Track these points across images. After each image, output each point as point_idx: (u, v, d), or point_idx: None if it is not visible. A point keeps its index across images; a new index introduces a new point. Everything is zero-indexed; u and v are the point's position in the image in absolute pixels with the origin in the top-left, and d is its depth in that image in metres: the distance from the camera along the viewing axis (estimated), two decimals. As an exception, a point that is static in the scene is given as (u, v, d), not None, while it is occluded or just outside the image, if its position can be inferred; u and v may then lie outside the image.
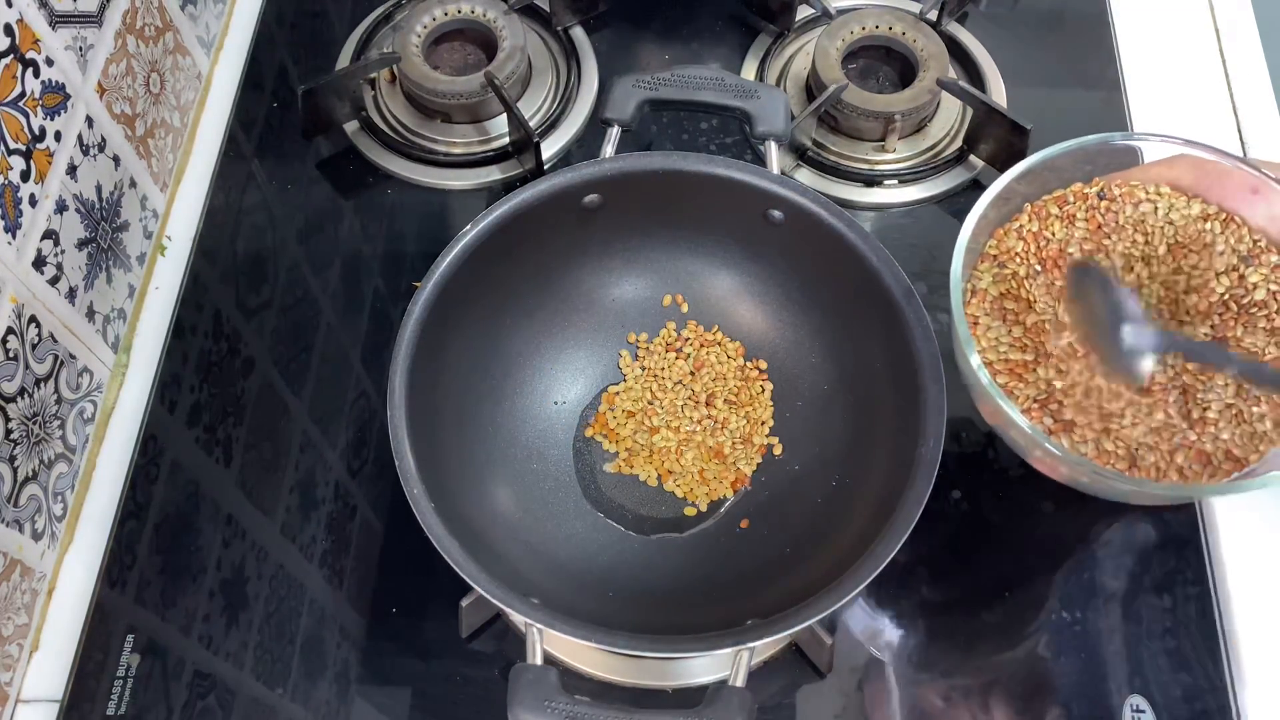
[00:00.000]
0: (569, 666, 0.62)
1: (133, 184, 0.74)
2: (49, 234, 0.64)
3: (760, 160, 0.64)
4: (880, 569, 0.51)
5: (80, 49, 0.66)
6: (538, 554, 0.62)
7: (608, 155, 0.64)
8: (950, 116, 0.80)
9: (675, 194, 0.64)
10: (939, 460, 0.54)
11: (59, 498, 0.66)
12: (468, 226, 0.61)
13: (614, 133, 0.65)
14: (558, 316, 0.68)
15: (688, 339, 0.69)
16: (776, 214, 0.63)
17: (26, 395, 0.62)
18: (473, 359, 0.65)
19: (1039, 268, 0.56)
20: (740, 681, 0.50)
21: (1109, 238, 0.57)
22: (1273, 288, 0.55)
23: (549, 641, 0.51)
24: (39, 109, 0.62)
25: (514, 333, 0.67)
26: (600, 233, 0.66)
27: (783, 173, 0.64)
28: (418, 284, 0.59)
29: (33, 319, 0.62)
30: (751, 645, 0.50)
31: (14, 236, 0.60)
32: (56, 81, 0.64)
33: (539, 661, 0.50)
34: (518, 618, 0.51)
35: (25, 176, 0.61)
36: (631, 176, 0.63)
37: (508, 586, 0.52)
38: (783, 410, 0.67)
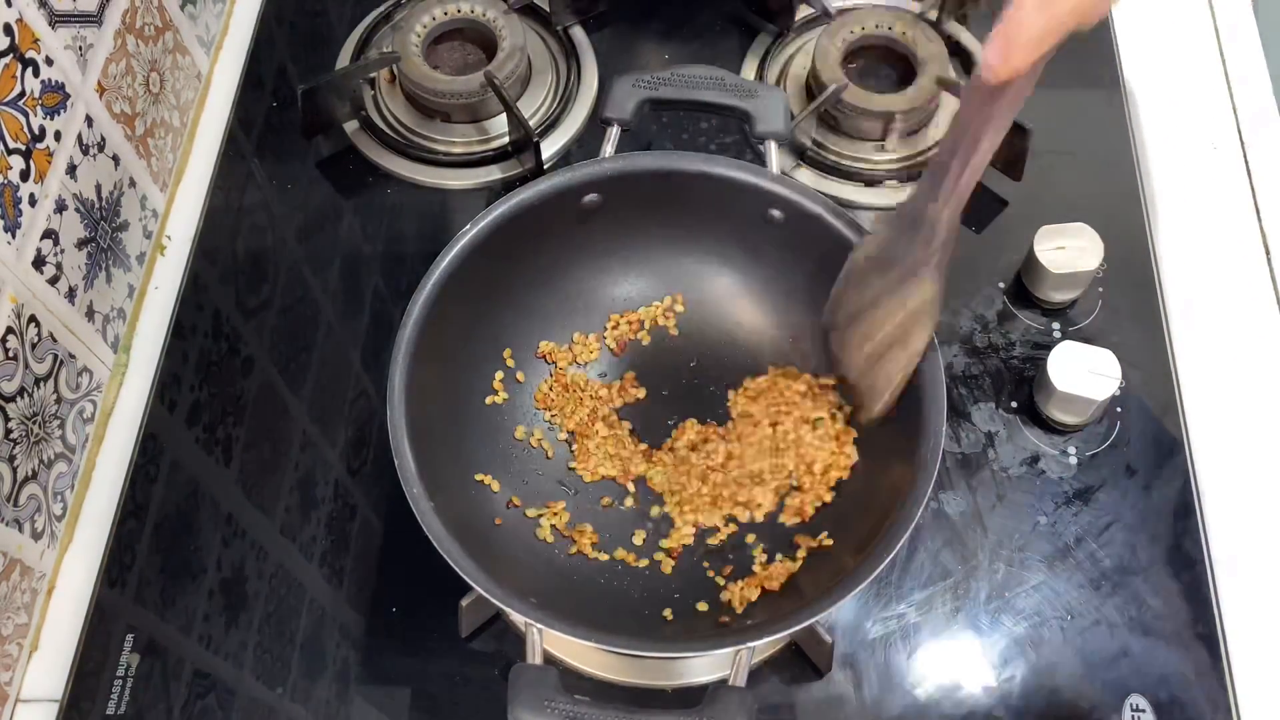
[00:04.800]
0: (568, 666, 0.62)
1: (132, 183, 0.74)
2: (49, 233, 0.64)
3: (760, 160, 0.64)
4: (880, 569, 0.51)
5: (80, 48, 0.66)
6: (537, 553, 0.61)
7: (607, 155, 0.64)
8: (950, 116, 0.80)
9: (675, 194, 0.64)
10: (939, 460, 0.54)
11: (59, 497, 0.66)
12: (467, 226, 0.61)
13: (614, 132, 0.65)
14: (557, 316, 0.68)
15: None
16: (776, 214, 0.63)
17: (26, 395, 0.62)
18: (472, 359, 0.65)
19: None
20: (740, 681, 0.50)
21: None
22: None
23: (548, 641, 0.51)
24: (38, 108, 0.62)
25: (513, 332, 0.67)
26: (600, 232, 0.66)
27: (782, 172, 0.64)
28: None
29: (32, 318, 0.62)
30: (751, 645, 0.50)
31: (14, 236, 0.60)
32: (56, 81, 0.64)
33: (539, 661, 0.50)
34: (517, 617, 0.51)
35: (25, 176, 0.61)
36: (631, 176, 0.63)
37: (507, 586, 0.52)
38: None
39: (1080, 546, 0.65)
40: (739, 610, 0.59)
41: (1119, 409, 0.69)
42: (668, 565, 0.62)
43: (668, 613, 0.59)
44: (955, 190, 0.52)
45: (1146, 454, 0.67)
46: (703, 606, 0.59)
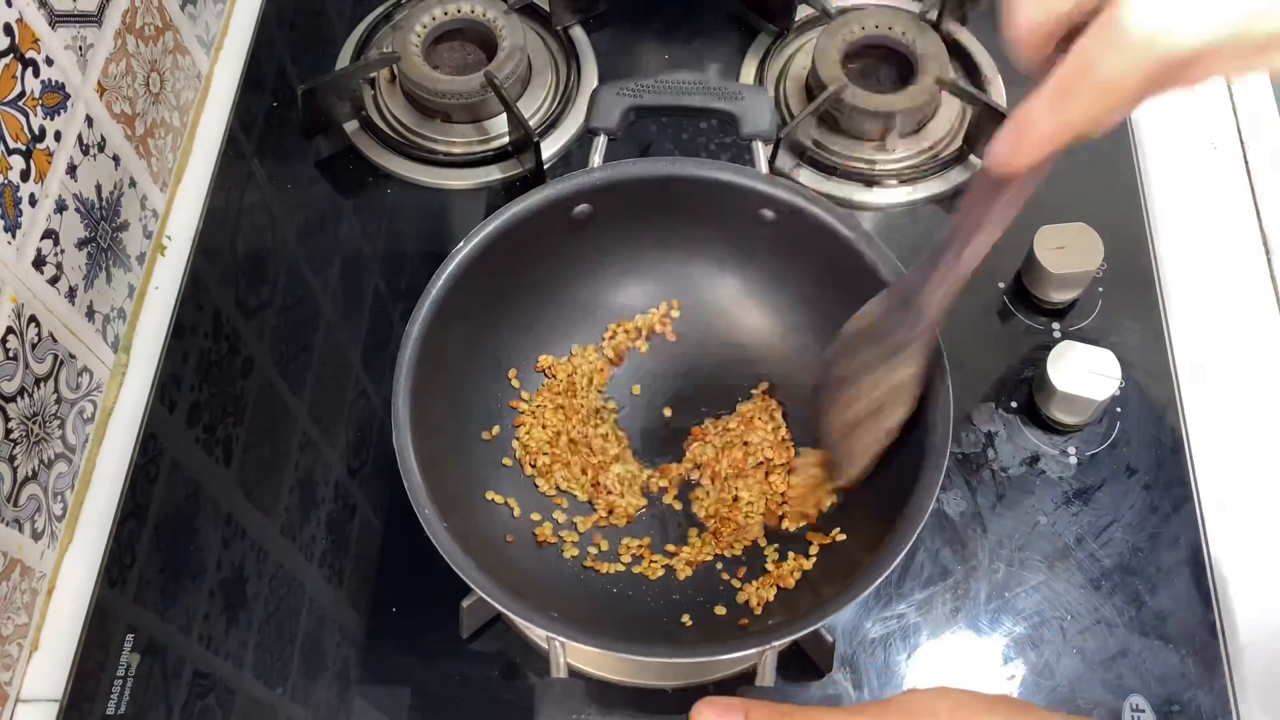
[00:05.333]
0: (575, 669, 0.61)
1: (132, 184, 0.74)
2: (49, 234, 0.64)
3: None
4: (897, 562, 0.51)
5: (80, 48, 0.66)
6: (547, 563, 0.61)
7: (595, 165, 0.63)
8: (950, 116, 0.80)
9: (666, 199, 0.64)
10: (948, 449, 0.53)
11: (59, 497, 0.66)
12: (460, 244, 0.60)
13: (600, 142, 0.64)
14: (556, 327, 0.68)
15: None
16: (767, 213, 0.63)
17: (26, 395, 0.62)
18: (473, 372, 0.64)
19: None
20: (768, 681, 0.49)
21: None
22: None
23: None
24: (39, 108, 0.62)
25: (512, 349, 0.67)
26: (594, 242, 0.66)
27: (781, 173, 0.64)
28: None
29: (32, 319, 0.62)
30: (776, 645, 0.50)
31: (14, 236, 0.60)
32: (56, 81, 0.64)
33: (564, 675, 0.49)
34: (540, 632, 0.51)
35: (25, 176, 0.61)
36: (620, 185, 0.63)
37: (529, 602, 0.51)
38: (786, 410, 0.67)
39: (1080, 546, 0.65)
40: (758, 611, 0.59)
41: (1119, 409, 0.69)
42: (683, 572, 0.61)
43: (686, 619, 0.59)
44: (947, 279, 0.52)
45: (1146, 454, 0.67)
46: (720, 610, 0.59)
